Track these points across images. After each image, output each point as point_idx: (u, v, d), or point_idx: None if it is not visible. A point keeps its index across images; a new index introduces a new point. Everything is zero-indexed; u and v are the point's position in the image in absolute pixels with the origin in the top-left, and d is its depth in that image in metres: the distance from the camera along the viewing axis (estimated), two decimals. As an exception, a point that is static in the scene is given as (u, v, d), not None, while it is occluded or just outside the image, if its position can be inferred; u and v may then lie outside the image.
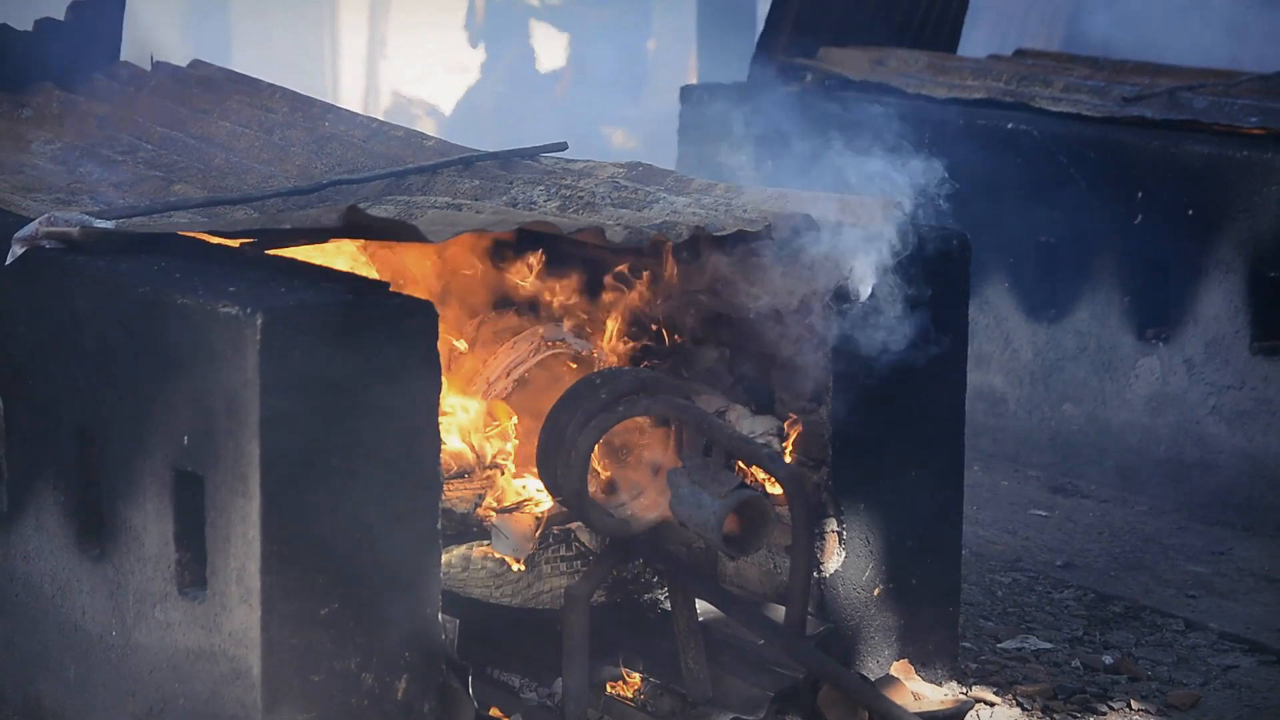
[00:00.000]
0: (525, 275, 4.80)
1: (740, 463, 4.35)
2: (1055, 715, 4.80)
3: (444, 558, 4.19)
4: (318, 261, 4.26)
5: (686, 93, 8.05)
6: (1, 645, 4.41)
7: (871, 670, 4.73)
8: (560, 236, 4.37)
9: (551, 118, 12.83)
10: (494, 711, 4.38)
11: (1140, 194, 6.51)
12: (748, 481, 4.29)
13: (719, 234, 4.35)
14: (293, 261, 4.14)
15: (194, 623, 3.89)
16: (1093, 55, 8.05)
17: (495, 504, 4.49)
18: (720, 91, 7.94)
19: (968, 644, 5.15)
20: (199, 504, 3.85)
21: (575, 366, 4.67)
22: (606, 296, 4.77)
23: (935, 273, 4.66)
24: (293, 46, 14.04)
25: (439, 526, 3.93)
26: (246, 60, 12.33)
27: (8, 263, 4.17)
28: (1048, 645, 5.22)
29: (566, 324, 4.75)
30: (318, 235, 4.09)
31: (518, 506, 4.48)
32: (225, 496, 3.78)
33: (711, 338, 4.81)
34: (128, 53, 6.20)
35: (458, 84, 15.12)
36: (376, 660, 3.89)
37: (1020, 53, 8.19)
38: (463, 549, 4.42)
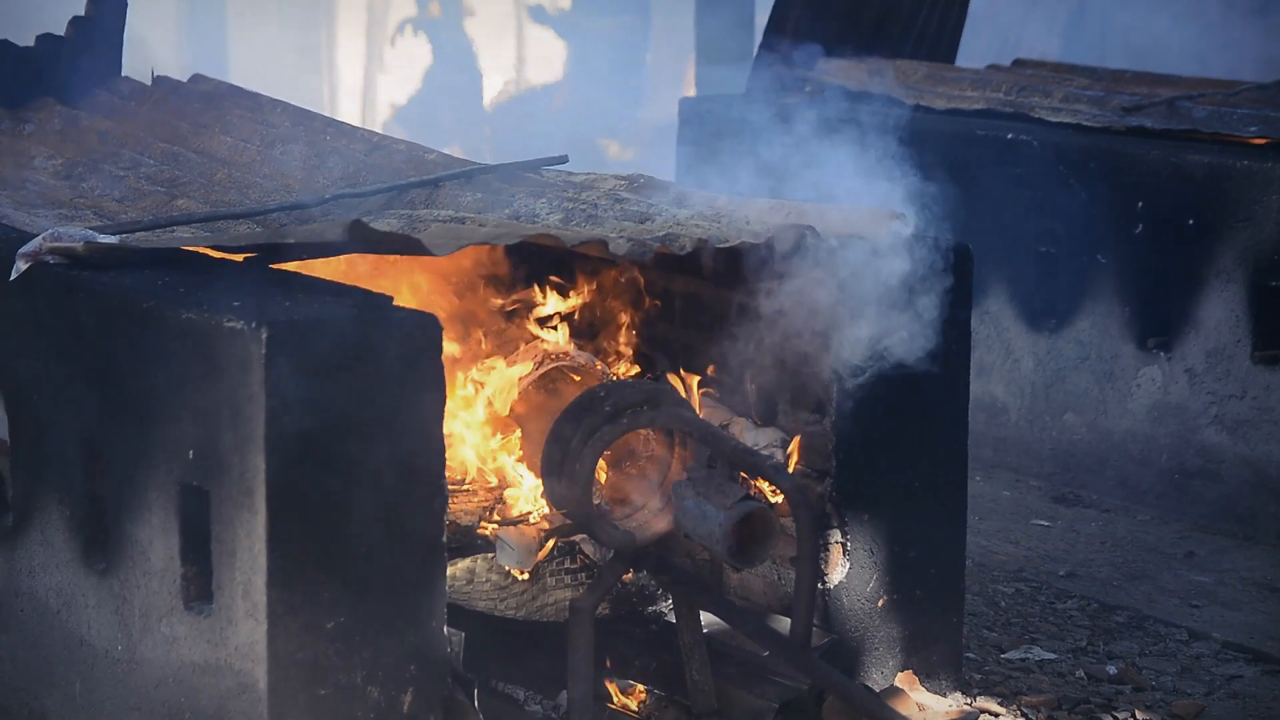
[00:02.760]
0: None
1: (744, 474, 4.36)
2: (1060, 725, 4.82)
3: (449, 570, 4.19)
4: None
5: (685, 104, 8.06)
6: (6, 660, 4.41)
7: (876, 681, 4.73)
8: (563, 249, 4.37)
9: (547, 128, 12.84)
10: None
11: (1140, 203, 6.51)
12: (752, 493, 4.29)
13: (722, 246, 4.36)
14: (296, 275, 4.15)
15: (200, 637, 3.89)
16: (1091, 65, 8.07)
17: (500, 516, 4.49)
18: (719, 103, 7.96)
19: (972, 654, 5.15)
20: (204, 518, 3.85)
21: (579, 379, 4.67)
22: (611, 308, 4.78)
23: (937, 283, 4.67)
24: (290, 54, 14.04)
25: (444, 539, 3.93)
26: (243, 67, 12.35)
27: (12, 278, 4.18)
28: (1051, 655, 5.22)
29: (569, 337, 4.76)
30: (322, 249, 4.09)
31: (522, 519, 4.48)
32: (231, 510, 3.78)
33: (715, 350, 4.81)
34: (128, 65, 6.21)
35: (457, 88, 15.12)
36: (382, 674, 3.89)
37: (1019, 63, 8.20)
38: (467, 562, 4.42)
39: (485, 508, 4.50)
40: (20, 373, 4.30)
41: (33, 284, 4.20)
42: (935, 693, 4.81)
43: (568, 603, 4.38)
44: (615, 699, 4.50)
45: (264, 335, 3.70)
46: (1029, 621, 5.47)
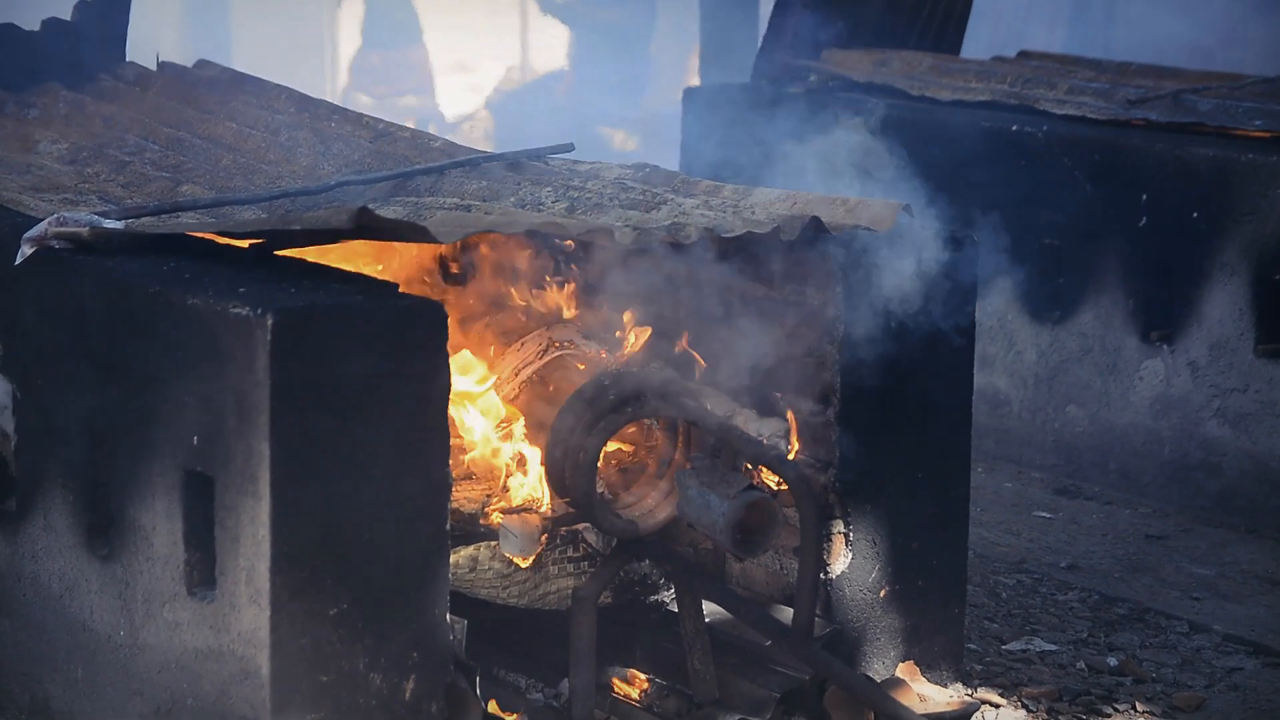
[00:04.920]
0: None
1: (748, 464, 4.36)
2: (1060, 717, 4.81)
3: (452, 558, 4.19)
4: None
5: (689, 94, 8.05)
6: (9, 645, 4.41)
7: (877, 672, 4.73)
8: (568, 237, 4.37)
9: (550, 118, 12.84)
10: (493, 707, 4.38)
11: (1144, 196, 6.51)
12: (756, 483, 4.29)
13: (728, 235, 4.35)
14: (302, 262, 4.15)
15: (203, 623, 3.89)
16: (1096, 58, 8.07)
17: (503, 504, 4.49)
18: (724, 93, 7.95)
19: (973, 646, 5.15)
20: (208, 504, 3.86)
21: (583, 367, 4.67)
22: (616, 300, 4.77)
23: (942, 274, 4.67)
24: (292, 47, 14.04)
25: (447, 527, 3.93)
26: (246, 61, 12.35)
27: (17, 263, 4.18)
28: (1052, 647, 5.22)
29: (574, 325, 4.76)
30: (327, 236, 4.09)
31: (525, 507, 4.48)
32: (235, 497, 3.78)
33: (718, 339, 4.81)
34: (132, 53, 6.20)
35: (457, 84, 15.12)
36: (385, 660, 3.89)
37: (1024, 54, 8.20)
38: (470, 550, 4.42)
39: (488, 496, 4.50)
40: (25, 357, 4.30)
41: (38, 269, 4.20)
42: (936, 683, 4.81)
43: (570, 591, 4.39)
44: (617, 687, 4.51)
45: (269, 322, 3.70)
46: (1030, 613, 5.48)
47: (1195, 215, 6.36)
